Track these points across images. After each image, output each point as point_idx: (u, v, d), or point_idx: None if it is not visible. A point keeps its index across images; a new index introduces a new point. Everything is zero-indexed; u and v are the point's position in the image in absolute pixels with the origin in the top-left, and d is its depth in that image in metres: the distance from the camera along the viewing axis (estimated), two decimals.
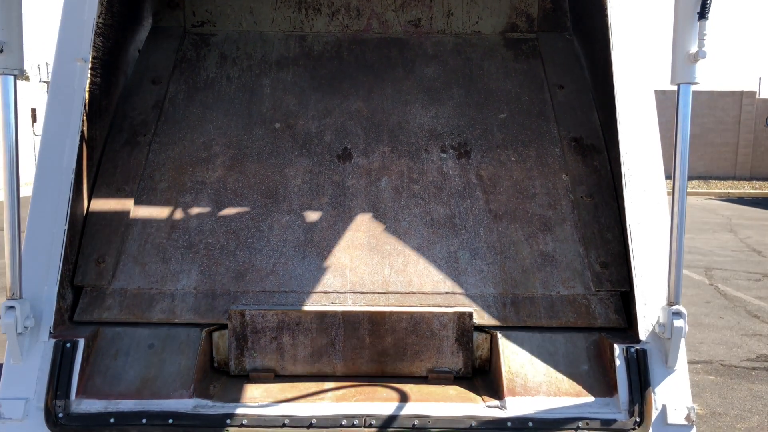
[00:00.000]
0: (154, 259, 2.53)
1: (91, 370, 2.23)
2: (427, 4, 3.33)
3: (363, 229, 2.64)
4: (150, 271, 2.50)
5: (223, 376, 2.39)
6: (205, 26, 3.31)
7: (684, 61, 2.10)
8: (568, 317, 2.43)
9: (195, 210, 2.66)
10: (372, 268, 2.54)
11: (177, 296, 2.45)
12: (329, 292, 2.48)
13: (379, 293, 2.48)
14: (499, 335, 2.36)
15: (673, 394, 2.17)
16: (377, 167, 2.82)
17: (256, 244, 2.58)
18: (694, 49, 2.08)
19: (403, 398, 2.23)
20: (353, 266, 2.54)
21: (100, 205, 2.65)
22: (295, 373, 2.38)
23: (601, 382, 2.24)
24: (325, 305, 2.44)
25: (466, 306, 2.45)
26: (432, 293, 2.49)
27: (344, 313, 2.39)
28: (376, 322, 2.39)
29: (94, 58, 2.58)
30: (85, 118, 2.53)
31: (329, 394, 2.26)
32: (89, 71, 2.53)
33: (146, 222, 2.62)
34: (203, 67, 3.14)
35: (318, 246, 2.59)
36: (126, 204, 2.65)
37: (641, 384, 2.16)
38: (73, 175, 2.37)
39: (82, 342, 2.21)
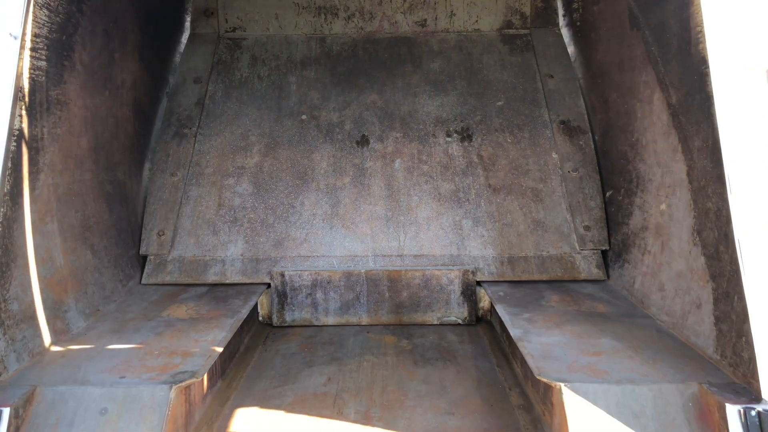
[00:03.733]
0: (205, 232, 3.00)
1: None
2: (431, 6, 3.76)
3: (380, 203, 3.09)
4: (203, 242, 2.97)
5: None
6: (237, 31, 3.76)
7: None
8: (556, 272, 2.88)
9: (237, 190, 3.12)
10: (389, 236, 3.00)
11: (227, 262, 2.92)
12: (354, 256, 2.94)
13: (395, 256, 2.94)
14: (563, 388, 1.79)
15: None
16: (391, 151, 3.26)
17: (290, 217, 3.04)
18: None
19: None
20: (373, 234, 3.00)
21: (158, 187, 3.12)
22: (327, 324, 2.84)
23: None
24: (351, 267, 2.90)
25: (469, 265, 2.90)
26: (440, 255, 2.94)
27: (367, 273, 2.84)
28: (394, 279, 2.84)
29: (35, 36, 2.13)
30: (24, 110, 2.06)
31: None
32: (28, 51, 2.10)
33: (197, 201, 3.09)
34: (237, 68, 3.60)
35: (343, 218, 3.05)
36: (179, 186, 3.12)
37: None
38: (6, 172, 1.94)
39: (7, 412, 1.68)
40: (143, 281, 2.90)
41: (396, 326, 2.83)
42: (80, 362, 2.01)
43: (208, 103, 3.44)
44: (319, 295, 2.85)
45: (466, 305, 2.85)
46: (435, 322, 2.85)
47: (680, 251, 2.29)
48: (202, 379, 1.99)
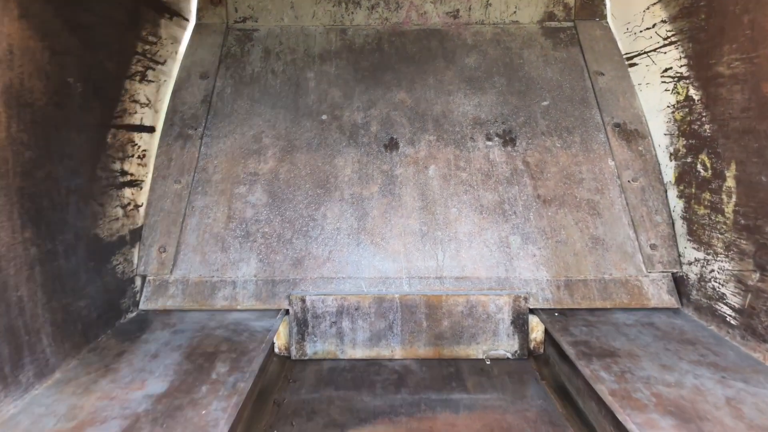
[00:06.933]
0: (213, 248, 2.59)
1: None
2: None
3: (414, 216, 2.69)
4: (210, 260, 2.57)
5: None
6: (248, 22, 3.36)
7: None
8: (621, 298, 2.47)
9: (250, 200, 2.72)
10: (425, 254, 2.59)
11: (238, 284, 2.51)
12: (385, 278, 2.53)
13: (434, 278, 2.53)
14: None
15: None
16: (424, 156, 2.87)
17: (311, 232, 2.64)
18: None
19: None
20: (407, 252, 2.60)
21: (158, 196, 2.71)
22: (355, 357, 2.44)
23: None
24: (382, 291, 2.49)
25: (520, 289, 2.49)
26: (486, 277, 2.53)
27: (402, 298, 2.44)
28: (433, 306, 2.44)
29: None
30: None
31: None
32: None
33: (203, 212, 2.68)
34: (248, 62, 3.20)
35: (371, 233, 2.64)
36: (183, 195, 2.71)
37: None
38: None
39: None
40: (141, 307, 2.49)
41: (435, 360, 2.43)
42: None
43: (215, 100, 3.04)
44: (346, 323, 2.44)
45: (516, 337, 2.45)
46: (480, 356, 2.45)
47: None
48: None
